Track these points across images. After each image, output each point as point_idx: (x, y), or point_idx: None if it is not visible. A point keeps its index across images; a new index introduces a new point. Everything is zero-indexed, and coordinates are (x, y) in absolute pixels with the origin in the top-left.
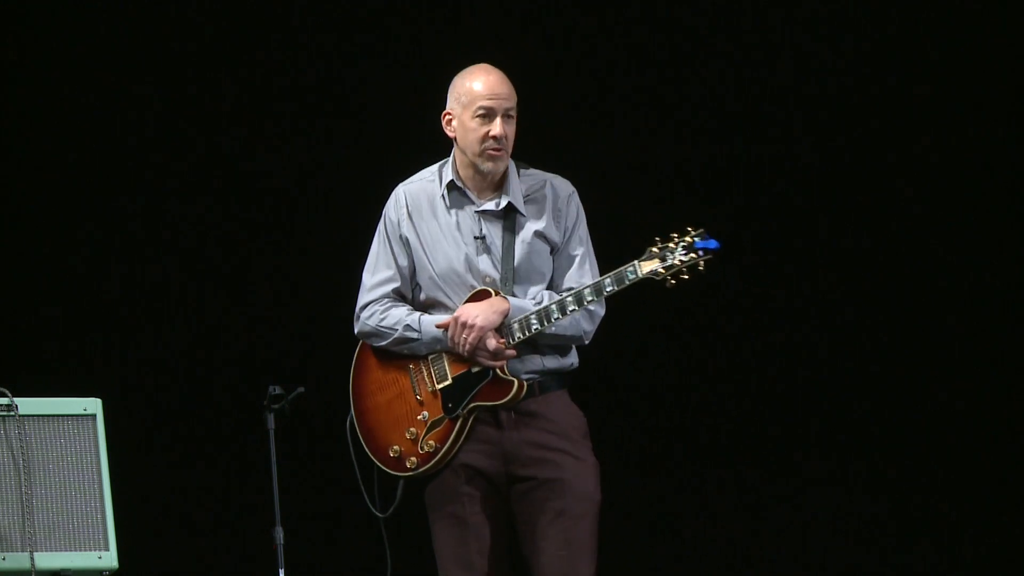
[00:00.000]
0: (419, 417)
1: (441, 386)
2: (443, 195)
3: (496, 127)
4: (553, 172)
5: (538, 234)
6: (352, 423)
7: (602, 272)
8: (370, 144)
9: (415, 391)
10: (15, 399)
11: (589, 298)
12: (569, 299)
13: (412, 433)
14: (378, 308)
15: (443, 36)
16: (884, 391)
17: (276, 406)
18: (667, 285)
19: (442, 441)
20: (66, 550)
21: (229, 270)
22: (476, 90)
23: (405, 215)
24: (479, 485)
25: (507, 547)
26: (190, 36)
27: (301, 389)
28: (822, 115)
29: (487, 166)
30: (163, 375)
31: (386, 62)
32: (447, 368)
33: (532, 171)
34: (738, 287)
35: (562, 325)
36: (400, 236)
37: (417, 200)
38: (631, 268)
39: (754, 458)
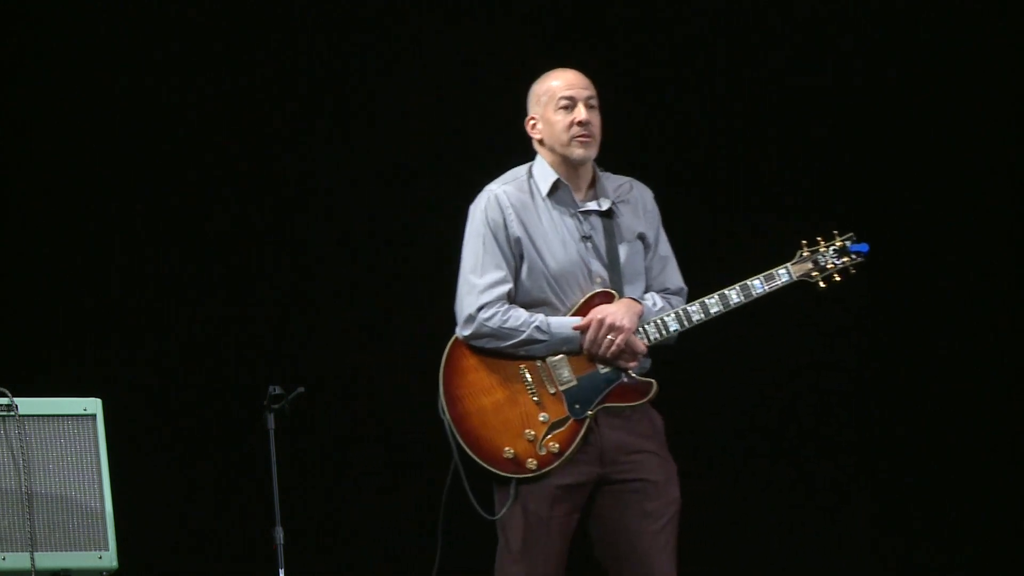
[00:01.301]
0: (540, 419)
1: (564, 387)
2: (545, 196)
3: (580, 113)
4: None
5: (638, 235)
6: (451, 428)
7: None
8: (372, 145)
9: (531, 392)
10: (15, 399)
11: (736, 299)
12: (713, 300)
13: (530, 435)
14: (498, 310)
15: (443, 37)
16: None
17: (276, 406)
18: (818, 288)
19: (567, 442)
20: (66, 550)
21: (229, 269)
22: (555, 86)
23: (513, 215)
24: (573, 491)
25: (568, 551)
26: (189, 35)
27: (301, 389)
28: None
29: (578, 153)
30: (163, 375)
31: (387, 61)
32: (570, 369)
33: (608, 173)
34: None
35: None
36: (509, 236)
37: (518, 201)
38: (783, 271)
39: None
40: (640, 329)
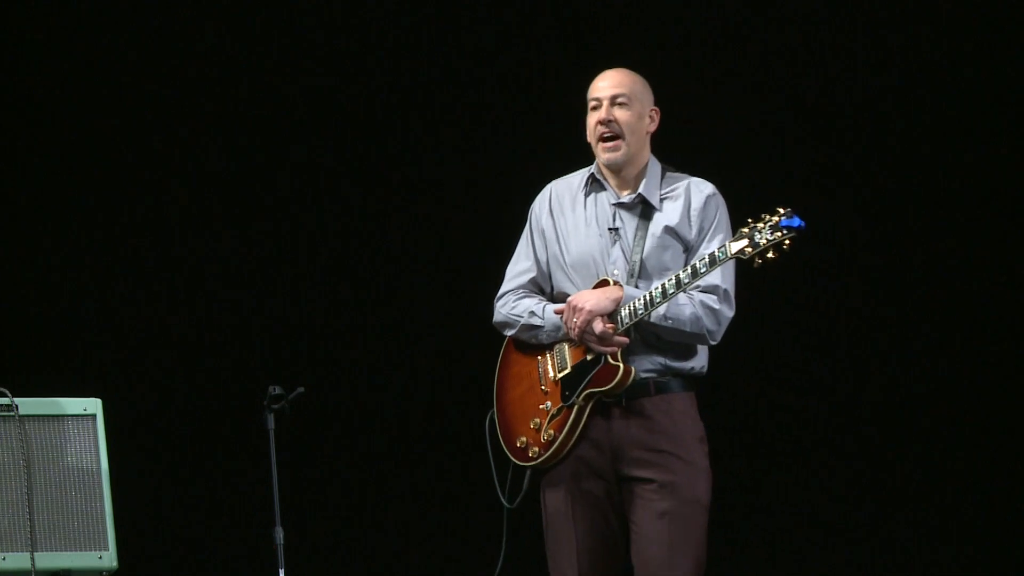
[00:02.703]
0: (542, 407)
1: (561, 375)
2: (583, 189)
3: (601, 112)
4: (697, 176)
5: (668, 229)
6: (492, 419)
7: None
8: (370, 145)
9: (541, 382)
10: (15, 399)
11: (686, 280)
12: (668, 282)
13: (536, 423)
14: (511, 298)
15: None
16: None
17: (276, 406)
18: (754, 265)
19: (559, 430)
20: (66, 550)
21: (229, 269)
22: (590, 88)
23: (547, 209)
24: (591, 485)
25: (617, 549)
26: (190, 35)
27: (301, 389)
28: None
29: (604, 156)
30: (163, 375)
31: (389, 61)
32: (567, 356)
33: (679, 174)
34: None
35: (681, 320)
36: (540, 229)
37: (561, 195)
38: (721, 248)
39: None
40: (617, 313)
